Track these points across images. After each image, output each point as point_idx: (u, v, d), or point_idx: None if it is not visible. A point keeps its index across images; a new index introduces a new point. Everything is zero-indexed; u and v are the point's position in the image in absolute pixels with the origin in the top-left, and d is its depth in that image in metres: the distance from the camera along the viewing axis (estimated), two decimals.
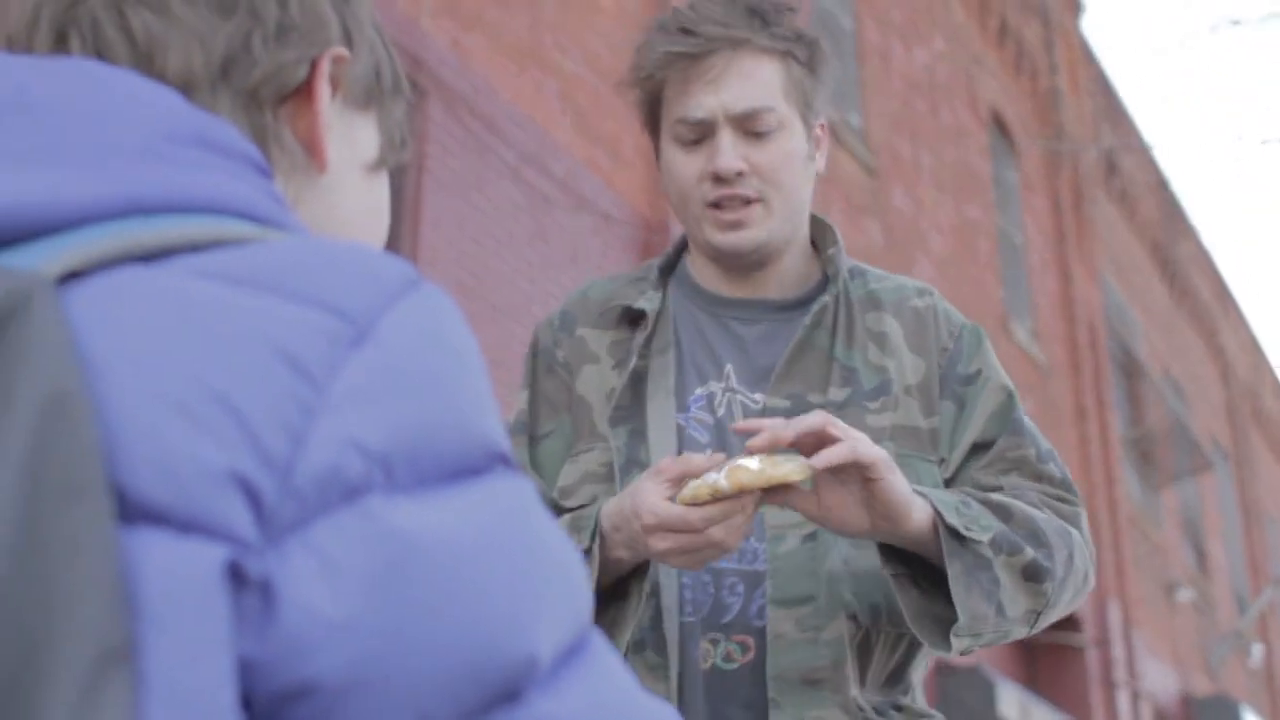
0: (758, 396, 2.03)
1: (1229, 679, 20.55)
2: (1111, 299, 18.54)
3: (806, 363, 2.04)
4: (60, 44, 0.93)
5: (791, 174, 2.04)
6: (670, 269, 2.17)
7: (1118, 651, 15.24)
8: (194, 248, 0.79)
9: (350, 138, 1.02)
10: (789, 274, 2.12)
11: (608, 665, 0.82)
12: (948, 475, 2.01)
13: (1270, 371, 27.77)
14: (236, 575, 0.70)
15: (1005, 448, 2.03)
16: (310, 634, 0.70)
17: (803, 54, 2.05)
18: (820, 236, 2.16)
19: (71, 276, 0.75)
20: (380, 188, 1.07)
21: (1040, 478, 2.03)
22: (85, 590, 0.66)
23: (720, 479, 1.65)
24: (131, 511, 0.69)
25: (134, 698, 0.66)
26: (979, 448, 2.04)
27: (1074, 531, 1.95)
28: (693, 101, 2.02)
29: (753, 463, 1.64)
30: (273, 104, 0.96)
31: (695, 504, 1.69)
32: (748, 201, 2.03)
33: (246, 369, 0.73)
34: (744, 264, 2.08)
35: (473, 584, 0.74)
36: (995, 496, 1.92)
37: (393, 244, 6.95)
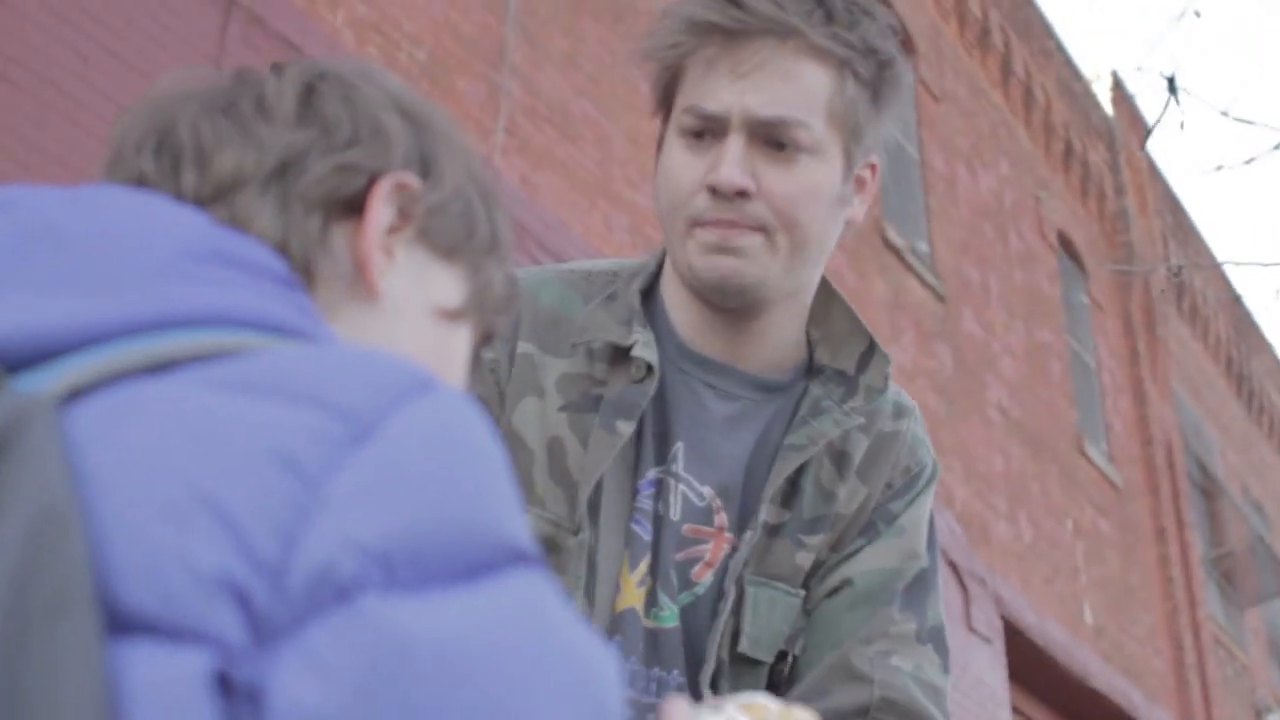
0: (705, 491, 1.68)
1: None
2: (1187, 418, 18.38)
3: (759, 464, 1.70)
4: (156, 153, 0.96)
5: (811, 212, 1.63)
6: (647, 294, 1.76)
7: None
8: (201, 359, 0.78)
9: (422, 278, 1.01)
10: (777, 341, 1.73)
11: None
12: (809, 605, 1.71)
13: None
14: (225, 683, 0.68)
15: (887, 622, 1.71)
16: None
17: (867, 70, 1.63)
18: (823, 310, 1.77)
19: (78, 394, 0.75)
20: (454, 339, 1.05)
21: (916, 654, 1.73)
22: (68, 708, 0.64)
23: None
24: (121, 623, 0.68)
25: None
26: (856, 595, 1.71)
27: None
28: (711, 89, 1.61)
29: (772, 703, 1.14)
30: (323, 212, 0.96)
31: None
32: (747, 228, 1.61)
33: (238, 472, 0.72)
34: (726, 305, 1.66)
35: (468, 684, 0.69)
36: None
37: None
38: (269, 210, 0.94)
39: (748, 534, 1.67)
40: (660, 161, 1.68)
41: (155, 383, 0.76)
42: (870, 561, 1.73)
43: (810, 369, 1.76)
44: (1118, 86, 17.82)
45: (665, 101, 1.68)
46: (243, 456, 0.72)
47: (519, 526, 0.78)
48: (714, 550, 1.68)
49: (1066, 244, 15.64)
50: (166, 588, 0.68)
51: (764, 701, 1.09)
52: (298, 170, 0.95)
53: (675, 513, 1.67)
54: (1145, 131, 17.81)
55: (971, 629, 10.95)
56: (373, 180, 0.98)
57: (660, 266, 1.76)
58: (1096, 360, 15.64)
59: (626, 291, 1.72)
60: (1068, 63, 16.33)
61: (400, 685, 0.68)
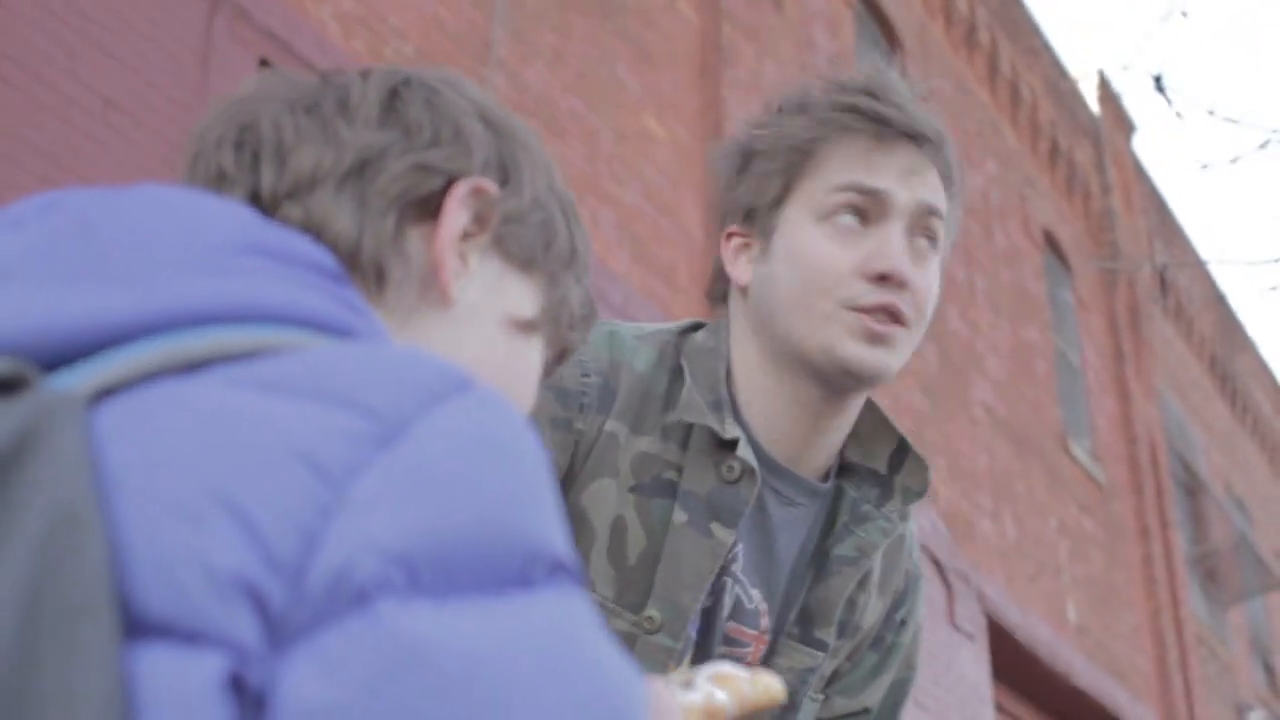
0: (755, 593, 1.68)
1: None
2: (1171, 416, 18.43)
3: (800, 569, 1.71)
4: (237, 149, 0.96)
5: (931, 311, 1.66)
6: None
7: None
8: (233, 358, 0.77)
9: (497, 286, 1.00)
10: (840, 437, 1.72)
11: None
12: (823, 714, 1.76)
13: None
14: (239, 685, 0.67)
15: None
16: None
17: (960, 191, 1.70)
18: (864, 418, 1.75)
19: (107, 393, 0.74)
20: (526, 351, 1.03)
21: None
22: (80, 713, 0.63)
23: (720, 696, 1.11)
24: (138, 625, 0.67)
25: None
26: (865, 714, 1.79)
27: None
28: (873, 171, 1.61)
29: (742, 673, 1.13)
30: (398, 212, 0.95)
31: None
32: (899, 322, 1.60)
33: (260, 472, 0.70)
34: (847, 390, 1.64)
35: (481, 698, 0.67)
36: None
37: None
38: (344, 209, 0.93)
39: (823, 653, 1.69)
40: (784, 250, 1.63)
41: (183, 382, 0.75)
42: (883, 688, 1.78)
43: (840, 467, 1.75)
44: (1104, 85, 17.85)
45: (782, 189, 1.64)
46: (264, 456, 0.71)
47: (556, 535, 0.76)
48: (754, 652, 1.68)
49: (1052, 242, 15.67)
50: (182, 589, 0.67)
51: (733, 671, 1.07)
52: (375, 169, 0.95)
53: (725, 611, 1.65)
54: (1129, 129, 17.86)
55: (955, 626, 10.97)
56: (450, 183, 0.97)
57: (726, 365, 1.69)
58: (1081, 359, 15.68)
59: (701, 369, 1.67)
60: (1054, 61, 16.35)
61: (410, 691, 0.67)
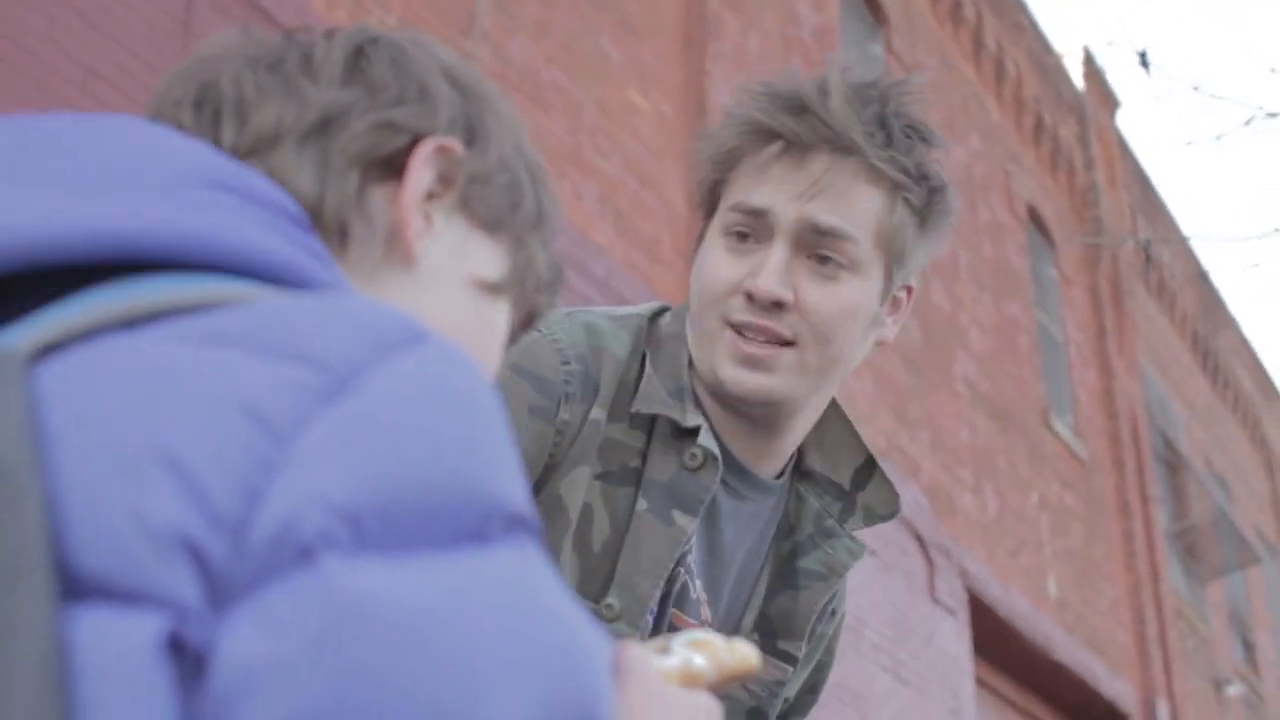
0: (698, 584, 1.66)
1: None
2: (1153, 392, 18.47)
3: (751, 566, 1.72)
4: (196, 106, 0.95)
5: (846, 332, 1.61)
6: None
7: None
8: (181, 312, 0.75)
9: (461, 248, 0.99)
10: (789, 449, 1.71)
11: None
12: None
13: None
14: (178, 645, 0.65)
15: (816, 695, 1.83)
16: (238, 685, 0.65)
17: (919, 196, 1.62)
18: (830, 427, 1.75)
19: (52, 349, 0.72)
20: (491, 312, 1.02)
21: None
22: (18, 677, 0.62)
23: (698, 660, 1.07)
24: (76, 587, 0.65)
25: None
26: (804, 691, 1.81)
27: None
28: (762, 189, 1.59)
29: (717, 639, 1.10)
30: (361, 170, 0.94)
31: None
32: (781, 342, 1.59)
33: (202, 427, 0.68)
34: (749, 414, 1.64)
35: (425, 654, 0.66)
36: None
37: None
38: (306, 166, 0.92)
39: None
40: (698, 257, 1.65)
41: (128, 337, 0.73)
42: (804, 676, 1.78)
43: (802, 472, 1.74)
44: (1089, 61, 17.84)
45: (710, 201, 1.65)
46: (207, 410, 0.69)
47: (514, 489, 0.74)
48: None
49: (1036, 218, 15.68)
50: (119, 547, 0.66)
51: (710, 638, 1.05)
52: (339, 127, 0.94)
53: (672, 600, 1.64)
54: (1113, 105, 17.87)
55: (936, 601, 11.00)
56: (415, 142, 0.96)
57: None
58: (1064, 334, 15.70)
59: (665, 356, 1.66)
60: (1039, 37, 16.34)
61: (353, 647, 0.65)
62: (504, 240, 1.02)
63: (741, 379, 1.59)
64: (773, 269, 1.57)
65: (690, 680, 1.00)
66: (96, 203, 0.78)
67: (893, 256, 1.62)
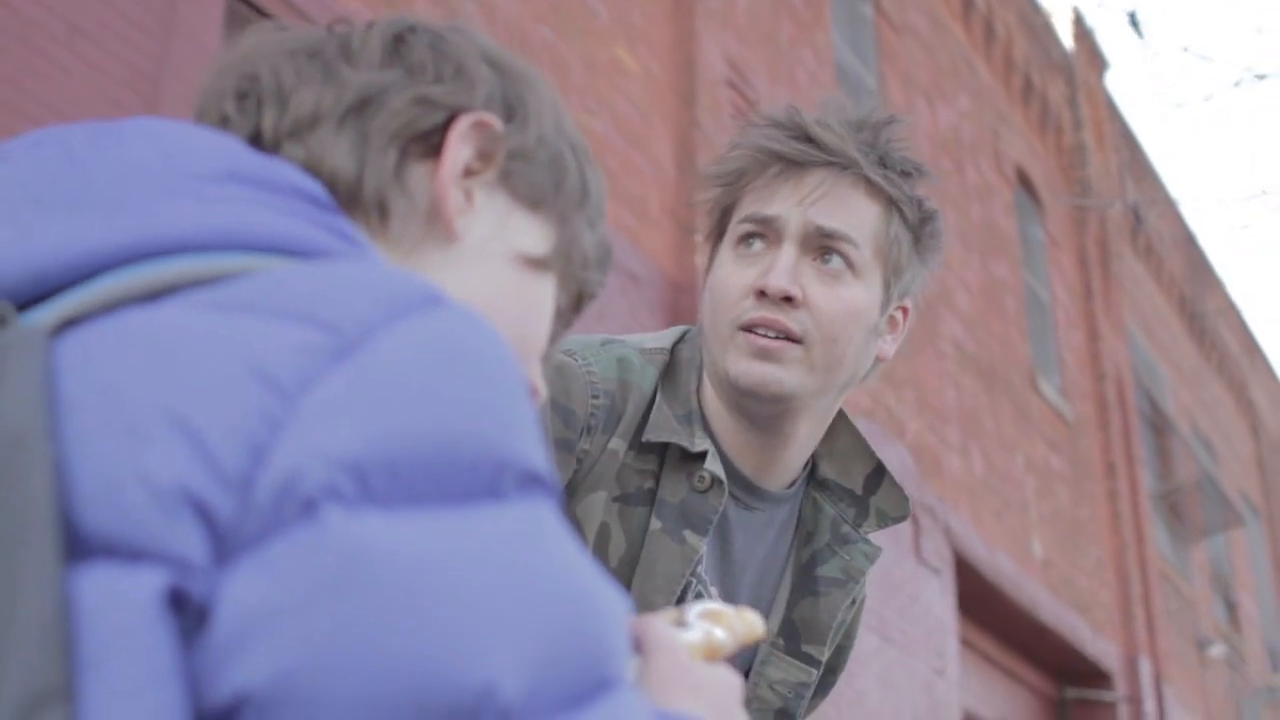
0: (714, 591, 1.74)
1: None
2: (1139, 354, 18.50)
3: (769, 572, 1.80)
4: (239, 96, 0.96)
5: (849, 332, 1.70)
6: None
7: (1149, 707, 15.13)
8: (199, 283, 0.77)
9: (505, 224, 0.99)
10: (797, 462, 1.79)
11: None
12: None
13: None
14: (180, 600, 0.67)
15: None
16: (237, 632, 0.66)
17: (912, 214, 1.74)
18: (841, 437, 1.84)
19: (72, 323, 0.74)
20: (536, 289, 1.01)
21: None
22: (20, 635, 0.63)
23: (719, 633, 1.07)
24: (82, 546, 0.67)
25: None
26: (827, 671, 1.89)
27: None
28: (770, 200, 1.71)
29: (727, 609, 1.11)
30: (400, 147, 0.95)
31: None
32: (789, 338, 1.68)
33: (208, 387, 0.70)
34: (759, 411, 1.71)
35: (426, 605, 0.67)
36: None
37: None
38: (344, 145, 0.93)
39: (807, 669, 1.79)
40: (709, 277, 1.74)
41: (145, 309, 0.74)
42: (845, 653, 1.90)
43: (812, 478, 1.82)
44: (1078, 22, 17.80)
45: (720, 226, 1.75)
46: (214, 371, 0.70)
47: (530, 447, 0.75)
48: None
49: (1024, 179, 15.66)
50: (124, 505, 0.67)
51: (721, 607, 1.07)
52: (377, 106, 0.95)
53: None
54: (1102, 66, 17.82)
55: (921, 560, 11.04)
56: (453, 118, 0.97)
57: (698, 374, 1.78)
58: (1051, 295, 15.71)
59: (676, 382, 1.74)
60: None
61: (350, 597, 0.66)
62: (548, 217, 1.02)
63: (752, 370, 1.67)
64: (783, 268, 1.67)
65: (712, 654, 1.02)
66: (112, 218, 0.79)
67: (890, 268, 1.73)
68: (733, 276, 1.71)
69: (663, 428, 1.69)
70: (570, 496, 1.67)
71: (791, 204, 1.69)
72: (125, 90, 5.54)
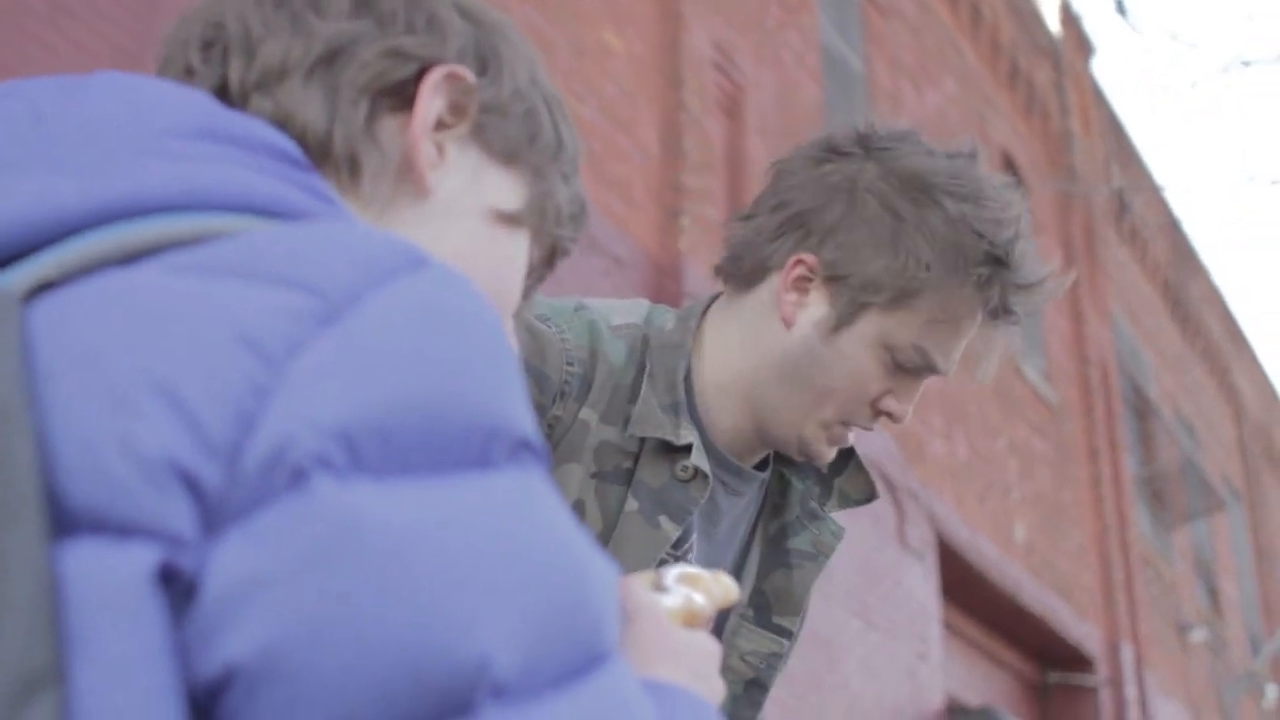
0: None
1: None
2: (1123, 339, 18.53)
3: (743, 547, 1.82)
4: (205, 46, 0.93)
5: None
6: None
7: (1130, 692, 15.19)
8: (177, 245, 0.75)
9: (478, 178, 0.98)
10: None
11: (619, 694, 0.72)
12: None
13: None
14: (171, 575, 0.65)
15: None
16: (224, 603, 0.65)
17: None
18: None
19: (47, 287, 0.72)
20: (509, 245, 1.00)
21: None
22: (9, 616, 0.62)
23: (698, 598, 1.07)
24: (69, 520, 0.65)
25: None
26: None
27: None
28: (947, 353, 1.69)
29: (704, 573, 1.11)
30: (370, 101, 0.92)
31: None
32: None
33: (194, 354, 0.68)
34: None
35: (419, 576, 0.66)
36: None
37: None
38: (314, 98, 0.91)
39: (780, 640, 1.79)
40: (841, 344, 1.66)
41: (123, 272, 0.72)
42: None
43: (779, 453, 1.81)
44: (1065, 7, 17.79)
45: (892, 299, 1.64)
46: (200, 338, 0.68)
47: (519, 414, 0.74)
48: None
49: (1009, 163, 15.66)
50: (111, 478, 0.65)
51: (698, 571, 1.06)
52: (347, 57, 0.92)
53: None
54: (1089, 51, 17.82)
55: (905, 545, 11.05)
56: (424, 70, 0.95)
57: (686, 363, 1.72)
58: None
59: (662, 368, 1.70)
60: None
61: (339, 566, 0.65)
62: (522, 172, 1.00)
63: (826, 454, 1.72)
64: (913, 402, 1.70)
65: (691, 619, 1.01)
66: (83, 177, 0.77)
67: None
68: (874, 380, 1.67)
69: (648, 420, 1.66)
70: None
71: (957, 357, 1.70)
72: (110, 69, 5.51)
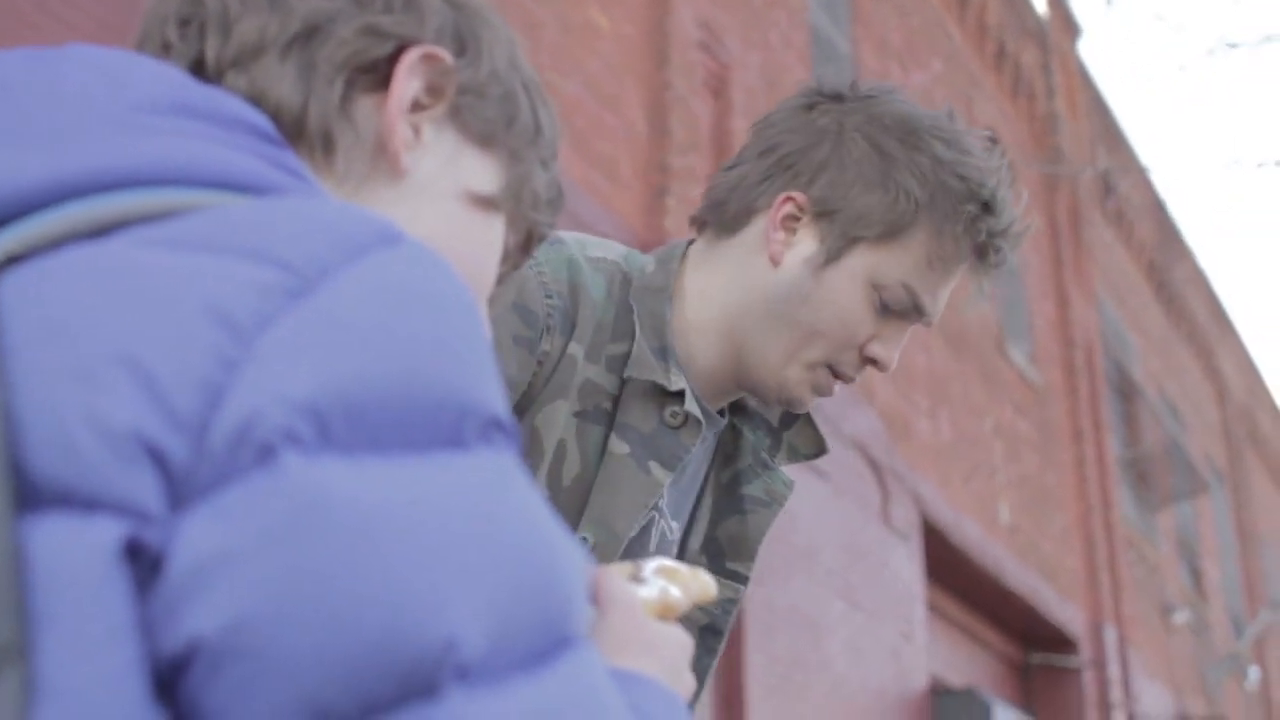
0: (674, 525, 1.74)
1: (1225, 701, 20.54)
2: (1108, 321, 18.57)
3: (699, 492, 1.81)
4: (182, 25, 0.93)
5: None
6: None
7: (1113, 673, 15.24)
8: (146, 219, 0.74)
9: (454, 160, 0.97)
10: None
11: (587, 680, 0.72)
12: None
13: (1266, 394, 27.79)
14: (136, 550, 0.65)
15: None
16: (188, 580, 0.64)
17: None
18: None
19: (14, 260, 0.71)
20: (484, 228, 0.99)
21: None
22: None
23: (674, 592, 1.06)
24: (36, 496, 0.64)
25: (25, 699, 0.61)
26: None
27: None
28: (935, 291, 1.68)
29: (682, 567, 1.09)
30: (346, 79, 0.92)
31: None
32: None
33: (162, 328, 0.67)
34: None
35: (386, 555, 0.65)
36: None
37: None
38: (289, 75, 0.90)
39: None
40: (830, 280, 1.66)
41: (91, 246, 0.71)
42: None
43: (734, 404, 1.81)
44: None
45: (880, 234, 1.65)
46: (167, 311, 0.68)
47: (491, 393, 0.73)
48: None
49: (995, 143, 15.65)
50: (76, 452, 0.65)
51: (676, 565, 1.06)
52: (323, 35, 0.92)
53: (651, 546, 1.69)
54: (1075, 32, 17.82)
55: (890, 526, 11.07)
56: (401, 50, 0.94)
57: (665, 304, 1.71)
58: (1021, 262, 15.73)
59: (648, 311, 1.68)
60: None
61: (305, 543, 0.64)
62: (498, 155, 1.00)
63: (809, 402, 1.70)
64: (898, 349, 1.68)
65: (666, 612, 1.02)
66: (53, 151, 0.76)
67: None
68: (863, 323, 1.67)
69: (644, 364, 1.65)
70: (529, 404, 1.61)
71: (945, 297, 1.68)
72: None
